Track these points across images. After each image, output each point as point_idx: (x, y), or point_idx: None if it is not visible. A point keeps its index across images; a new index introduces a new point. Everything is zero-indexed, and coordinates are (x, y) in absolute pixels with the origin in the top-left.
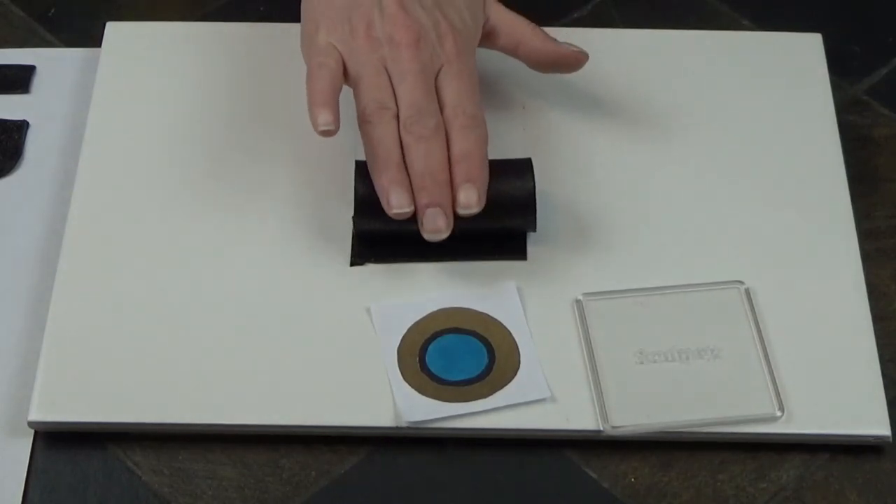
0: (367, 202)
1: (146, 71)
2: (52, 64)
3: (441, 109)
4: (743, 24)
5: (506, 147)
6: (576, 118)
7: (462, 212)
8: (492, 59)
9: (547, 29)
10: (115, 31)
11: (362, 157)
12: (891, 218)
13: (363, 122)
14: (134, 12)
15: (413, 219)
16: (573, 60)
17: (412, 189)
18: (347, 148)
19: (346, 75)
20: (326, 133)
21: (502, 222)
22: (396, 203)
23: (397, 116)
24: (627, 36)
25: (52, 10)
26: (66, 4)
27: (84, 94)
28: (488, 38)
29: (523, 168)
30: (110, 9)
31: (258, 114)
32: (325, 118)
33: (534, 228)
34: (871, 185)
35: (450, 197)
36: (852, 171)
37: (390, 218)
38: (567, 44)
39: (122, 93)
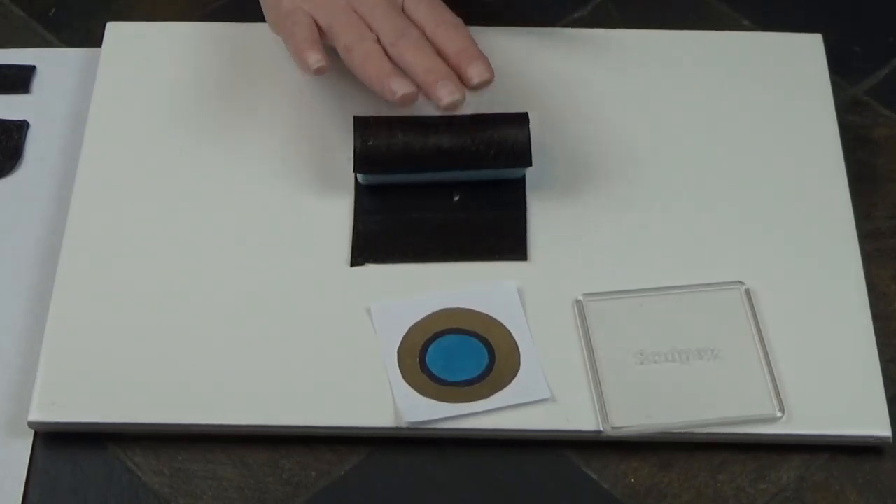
0: (365, 153)
1: (146, 71)
2: (52, 64)
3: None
4: (743, 24)
5: None
6: (575, 118)
7: (476, 81)
8: (491, 59)
9: (547, 29)
10: (115, 31)
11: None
12: (891, 218)
13: (347, 53)
14: (134, 12)
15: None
16: None
17: (417, 88)
18: (348, 152)
19: (319, 31)
20: (320, 70)
21: (500, 163)
22: (398, 86)
23: (379, 43)
24: (627, 36)
25: (52, 10)
26: (66, 4)
27: (84, 94)
28: None
29: (519, 115)
30: (110, 9)
31: (257, 113)
32: (314, 57)
33: (530, 163)
34: (871, 185)
35: (457, 78)
36: (852, 171)
37: (388, 167)
38: None
39: (122, 93)
